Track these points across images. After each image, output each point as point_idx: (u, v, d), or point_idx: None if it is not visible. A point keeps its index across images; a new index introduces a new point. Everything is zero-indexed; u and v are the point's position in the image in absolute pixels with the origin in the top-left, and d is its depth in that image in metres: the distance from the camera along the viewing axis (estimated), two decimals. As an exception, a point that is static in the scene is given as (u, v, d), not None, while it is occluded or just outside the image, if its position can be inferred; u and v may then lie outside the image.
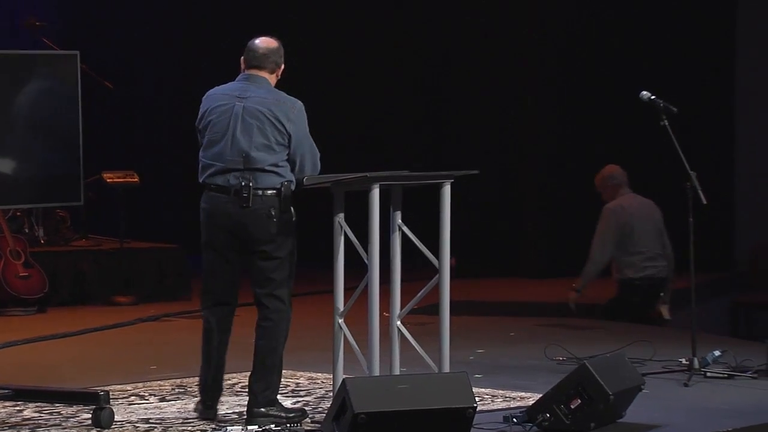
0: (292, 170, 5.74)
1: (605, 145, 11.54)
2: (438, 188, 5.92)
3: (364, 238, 5.78)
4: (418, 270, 6.47)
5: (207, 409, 5.87)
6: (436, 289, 5.91)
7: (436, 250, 5.88)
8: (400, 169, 6.10)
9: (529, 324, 9.02)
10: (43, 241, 10.25)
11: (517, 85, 11.62)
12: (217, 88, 5.85)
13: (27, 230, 10.17)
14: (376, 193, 5.74)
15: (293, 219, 5.75)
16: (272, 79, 5.83)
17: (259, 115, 5.68)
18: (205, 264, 5.83)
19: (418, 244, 5.88)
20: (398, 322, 5.95)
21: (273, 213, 5.67)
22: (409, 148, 12.21)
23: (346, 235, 5.86)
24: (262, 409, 5.73)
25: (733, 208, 12.00)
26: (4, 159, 5.88)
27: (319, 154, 5.83)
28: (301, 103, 5.79)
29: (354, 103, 12.54)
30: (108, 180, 10.18)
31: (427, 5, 12.21)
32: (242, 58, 5.83)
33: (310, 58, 12.57)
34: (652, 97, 7.17)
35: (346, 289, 5.93)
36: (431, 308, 6.42)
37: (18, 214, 10.13)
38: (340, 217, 5.88)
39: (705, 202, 7.01)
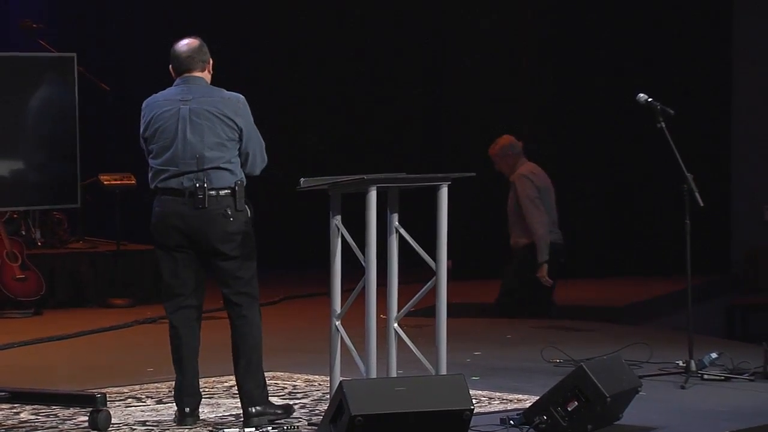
0: (243, 165, 5.78)
1: (602, 147, 11.55)
2: (435, 190, 5.93)
3: (361, 240, 5.78)
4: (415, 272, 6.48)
5: (186, 416, 5.80)
6: (433, 292, 5.91)
7: (433, 253, 5.88)
8: (397, 171, 6.10)
9: (525, 326, 9.02)
10: (40, 243, 10.24)
11: (514, 88, 11.62)
12: (155, 95, 5.85)
13: (24, 232, 10.16)
14: (373, 195, 5.74)
15: (249, 216, 5.78)
16: (206, 76, 5.86)
17: (207, 115, 5.71)
18: (164, 269, 5.80)
19: (415, 246, 5.88)
20: (395, 325, 5.95)
21: (229, 212, 5.70)
22: (406, 150, 12.22)
23: (343, 237, 5.86)
24: (259, 408, 5.74)
25: (730, 211, 12.01)
26: (0, 161, 5.88)
27: (265, 145, 5.86)
28: (243, 97, 5.84)
29: (351, 106, 12.54)
30: (105, 182, 10.17)
31: (426, 9, 12.22)
32: (170, 66, 5.86)
33: (309, 60, 12.58)
34: (650, 99, 7.17)
35: (343, 292, 5.93)
36: (428, 310, 6.42)
37: (15, 216, 10.11)
38: (337, 219, 5.89)
39: (701, 204, 7.01)
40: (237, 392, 6.04)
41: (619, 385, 5.73)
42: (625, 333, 8.55)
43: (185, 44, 5.82)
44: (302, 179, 5.85)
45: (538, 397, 5.76)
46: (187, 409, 5.81)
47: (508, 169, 9.41)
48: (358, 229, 5.81)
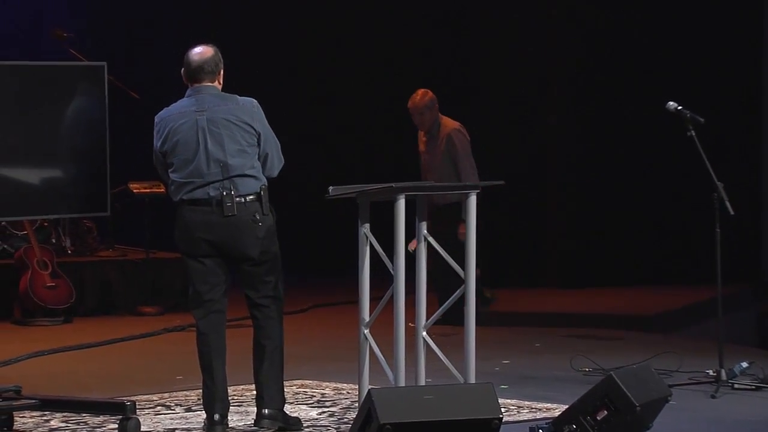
0: (262, 167, 5.81)
1: (632, 156, 11.51)
2: (463, 198, 5.92)
3: (390, 249, 5.78)
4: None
5: (215, 424, 5.79)
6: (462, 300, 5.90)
7: (461, 261, 5.87)
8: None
9: (554, 335, 9.00)
10: (70, 251, 10.29)
11: (543, 96, 11.60)
12: (168, 108, 5.87)
13: (54, 240, 10.21)
14: (401, 204, 5.74)
15: (274, 219, 5.83)
16: (217, 86, 5.87)
17: (225, 123, 5.73)
18: (193, 275, 5.80)
19: (443, 255, 5.87)
20: (424, 333, 5.95)
21: (257, 217, 5.74)
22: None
23: (371, 246, 5.86)
24: (272, 411, 5.77)
25: (760, 219, 11.94)
26: (31, 170, 5.91)
27: (280, 145, 5.89)
28: (256, 101, 5.85)
29: (379, 114, 12.55)
30: (134, 190, 10.22)
31: (453, 16, 12.22)
32: (182, 71, 5.87)
33: (337, 69, 12.60)
34: (679, 107, 7.14)
35: (371, 300, 5.93)
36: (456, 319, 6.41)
37: (45, 224, 10.17)
38: (366, 228, 5.88)
39: (732, 212, 6.98)
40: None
41: (649, 394, 5.70)
42: (655, 342, 8.51)
43: (197, 53, 5.80)
44: (331, 187, 5.86)
45: (567, 406, 5.74)
46: (217, 416, 5.80)
47: (430, 121, 9.15)
48: (386, 237, 5.81)
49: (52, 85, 5.97)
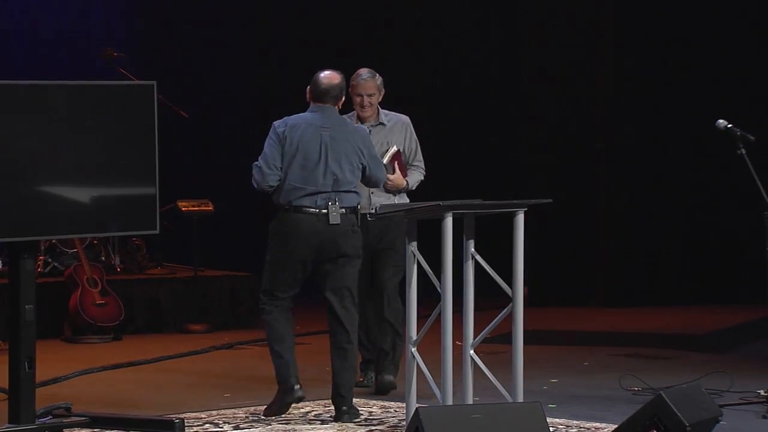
0: (366, 184, 6.51)
1: (681, 173, 11.45)
2: (511, 217, 5.90)
3: (437, 267, 5.77)
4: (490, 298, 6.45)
5: (296, 392, 6.24)
6: (509, 318, 5.89)
7: (509, 279, 5.86)
8: (472, 197, 6.10)
9: (603, 353, 8.94)
10: (119, 269, 10.35)
11: (591, 112, 11.56)
12: (293, 118, 6.41)
13: (103, 258, 10.28)
14: (449, 222, 5.74)
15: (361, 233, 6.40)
16: (337, 109, 6.48)
17: (344, 143, 6.36)
18: (281, 274, 6.32)
19: (491, 273, 5.86)
20: (471, 351, 5.93)
21: (355, 228, 6.32)
22: (481, 175, 12.20)
23: (419, 264, 5.86)
24: (353, 408, 6.28)
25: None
26: (81, 188, 5.96)
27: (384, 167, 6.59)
28: (366, 129, 6.62)
29: (425, 131, 12.55)
30: (183, 208, 10.27)
31: (501, 37, 12.22)
32: (308, 87, 6.44)
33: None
34: (729, 125, 7.09)
35: (418, 318, 5.92)
36: (504, 337, 6.40)
37: (95, 242, 10.25)
38: (413, 246, 5.88)
39: (783, 231, 6.91)
40: (313, 417, 6.06)
41: (699, 414, 5.65)
42: (706, 361, 8.43)
43: (327, 76, 6.41)
44: (378, 205, 5.88)
45: (616, 426, 5.70)
46: (296, 385, 6.24)
47: (374, 106, 7.25)
48: (433, 255, 5.80)
49: (102, 103, 6.02)
